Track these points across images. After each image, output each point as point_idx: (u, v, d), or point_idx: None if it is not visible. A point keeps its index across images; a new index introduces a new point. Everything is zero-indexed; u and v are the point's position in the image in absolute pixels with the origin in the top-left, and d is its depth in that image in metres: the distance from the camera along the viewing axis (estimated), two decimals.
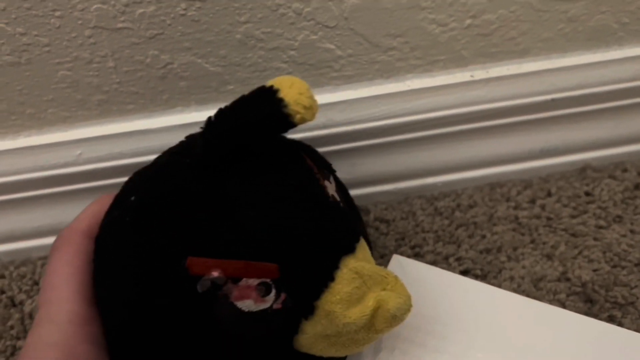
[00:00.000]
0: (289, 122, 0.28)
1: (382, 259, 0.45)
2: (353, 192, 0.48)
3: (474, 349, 0.37)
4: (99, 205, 0.31)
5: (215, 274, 0.26)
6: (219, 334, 0.27)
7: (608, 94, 0.46)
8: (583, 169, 0.49)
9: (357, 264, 0.27)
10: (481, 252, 0.44)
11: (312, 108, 0.29)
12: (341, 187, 0.36)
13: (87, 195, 0.45)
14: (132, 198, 0.29)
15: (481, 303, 0.39)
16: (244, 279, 0.26)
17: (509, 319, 0.38)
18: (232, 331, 0.27)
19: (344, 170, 0.47)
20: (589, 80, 0.46)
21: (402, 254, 0.44)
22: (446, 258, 0.44)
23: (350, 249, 0.28)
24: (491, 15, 0.41)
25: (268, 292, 0.26)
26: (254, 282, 0.26)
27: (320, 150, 0.45)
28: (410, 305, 0.28)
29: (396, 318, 0.28)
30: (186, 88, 0.42)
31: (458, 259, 0.44)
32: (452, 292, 0.40)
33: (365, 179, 0.48)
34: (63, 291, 0.28)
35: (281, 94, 0.28)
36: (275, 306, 0.27)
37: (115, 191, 0.45)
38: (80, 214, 0.31)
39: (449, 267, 0.44)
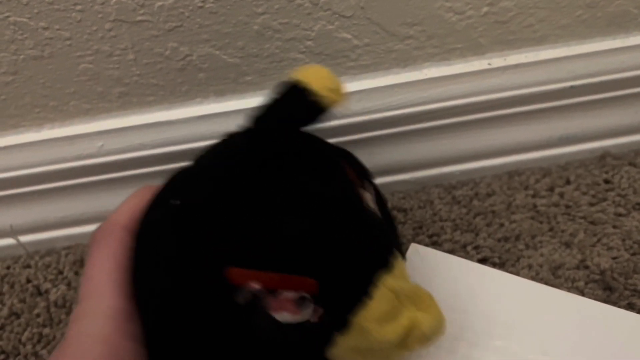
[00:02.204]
0: (320, 108, 0.29)
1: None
2: None
3: (492, 337, 0.37)
4: (139, 198, 0.31)
5: (255, 285, 0.26)
6: (255, 342, 0.27)
7: (628, 80, 0.46)
8: (602, 157, 0.49)
9: (394, 282, 0.27)
10: (499, 240, 0.44)
11: (338, 89, 0.29)
12: (378, 196, 0.35)
13: (108, 186, 0.46)
14: (174, 201, 0.29)
15: (499, 291, 0.39)
16: (283, 292, 0.26)
17: (527, 307, 0.39)
18: (268, 341, 0.27)
19: (361, 160, 0.47)
20: (608, 66, 0.45)
21: (419, 242, 0.44)
22: (464, 246, 0.44)
23: (388, 266, 0.28)
24: (508, 2, 0.41)
25: (306, 306, 0.26)
26: (293, 295, 0.26)
27: (337, 140, 0.45)
28: (444, 327, 0.29)
29: (429, 339, 0.28)
30: (205, 79, 0.42)
31: (476, 248, 0.44)
32: (470, 280, 0.40)
33: (382, 168, 0.48)
34: (105, 285, 0.28)
35: (307, 85, 0.29)
36: (312, 319, 0.27)
37: (140, 184, 0.46)
38: (120, 206, 0.31)
39: (467, 256, 0.44)
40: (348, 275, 0.27)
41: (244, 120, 0.44)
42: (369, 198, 0.32)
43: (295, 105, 0.28)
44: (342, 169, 0.31)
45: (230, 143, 0.32)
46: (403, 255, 0.33)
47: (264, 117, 0.30)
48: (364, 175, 0.34)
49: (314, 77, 0.28)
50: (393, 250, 0.29)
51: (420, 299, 0.28)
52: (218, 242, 0.27)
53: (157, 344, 0.28)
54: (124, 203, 0.31)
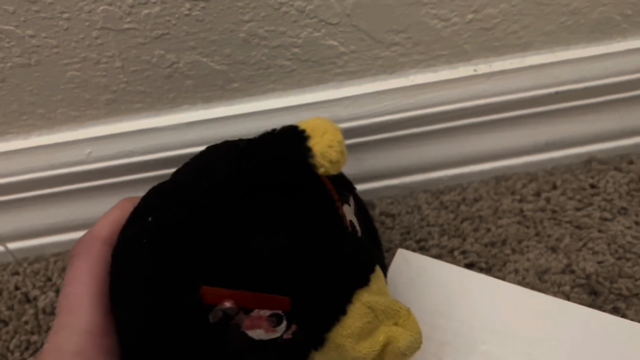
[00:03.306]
0: (313, 171, 0.28)
1: (388, 252, 0.45)
2: (359, 187, 0.48)
3: (478, 342, 0.37)
4: (120, 211, 0.31)
5: (227, 304, 0.26)
6: None
7: (612, 86, 0.46)
8: (588, 162, 0.50)
9: (371, 299, 0.27)
10: (486, 245, 0.45)
11: (338, 162, 0.28)
12: (360, 207, 0.35)
13: (97, 193, 0.46)
14: (150, 219, 0.29)
15: (485, 296, 0.40)
16: (256, 310, 0.26)
17: (513, 312, 0.39)
18: (243, 358, 0.27)
19: (349, 165, 0.47)
20: (592, 72, 0.46)
21: (407, 247, 0.45)
22: (451, 251, 0.45)
23: (364, 282, 0.27)
24: (493, 9, 0.42)
25: (279, 323, 0.27)
26: (266, 313, 0.26)
27: None
28: (421, 343, 0.28)
29: (405, 356, 0.27)
30: (192, 87, 0.43)
31: (463, 252, 0.45)
32: (457, 285, 0.40)
33: (370, 173, 0.48)
34: (83, 300, 0.28)
35: (311, 142, 0.28)
36: (285, 336, 0.27)
37: (128, 190, 0.47)
38: (100, 220, 0.31)
39: (454, 261, 0.44)
40: (321, 292, 0.27)
41: (231, 128, 0.45)
42: (349, 211, 0.31)
43: (289, 159, 0.28)
44: (323, 185, 0.30)
45: (208, 159, 0.31)
46: (384, 267, 0.32)
47: (254, 155, 0.29)
48: (344, 185, 0.34)
49: (322, 140, 0.27)
50: (371, 266, 0.28)
51: (397, 314, 0.28)
52: (192, 262, 0.26)
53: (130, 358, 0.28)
54: (104, 216, 0.31)
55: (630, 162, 0.49)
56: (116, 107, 0.43)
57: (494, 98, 0.45)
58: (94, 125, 0.44)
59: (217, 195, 0.28)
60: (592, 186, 0.48)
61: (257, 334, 0.26)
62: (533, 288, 0.41)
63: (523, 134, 0.48)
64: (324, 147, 0.28)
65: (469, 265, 0.44)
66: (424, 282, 0.41)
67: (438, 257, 0.44)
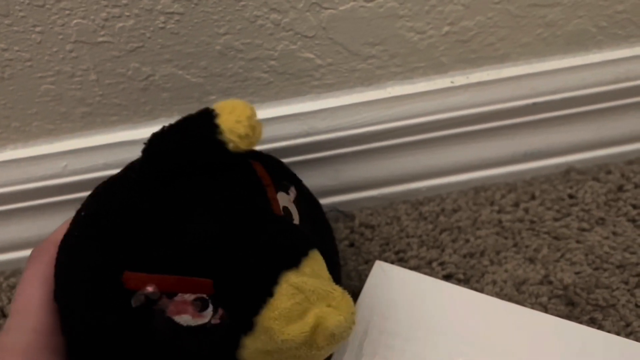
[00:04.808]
0: (224, 149, 0.28)
1: (367, 264, 0.45)
2: (338, 199, 0.49)
3: (455, 355, 0.37)
4: None
5: (149, 289, 0.26)
6: (160, 347, 0.27)
7: (589, 97, 0.47)
8: (567, 172, 0.50)
9: (299, 279, 0.26)
10: (464, 256, 0.45)
11: (248, 137, 0.29)
12: (307, 202, 0.35)
13: (73, 207, 0.45)
14: (82, 213, 0.30)
15: (463, 308, 0.40)
16: (179, 294, 0.26)
17: (491, 324, 0.39)
18: (173, 345, 0.27)
19: (328, 177, 0.47)
20: (569, 83, 0.46)
21: (386, 259, 0.45)
22: (429, 263, 0.45)
23: (292, 264, 0.27)
24: (469, 22, 0.42)
25: (205, 308, 0.27)
26: (190, 297, 0.26)
27: (303, 158, 0.45)
28: (353, 323, 0.27)
29: (335, 336, 0.27)
30: (168, 99, 0.42)
31: (441, 264, 0.45)
32: (434, 297, 0.40)
33: (349, 185, 0.48)
34: (32, 300, 0.29)
35: (218, 120, 0.28)
36: (213, 321, 0.27)
37: None
38: (60, 226, 0.32)
39: (432, 272, 0.44)
40: (245, 274, 0.27)
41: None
42: (284, 198, 0.31)
43: (198, 138, 0.28)
44: (252, 171, 0.31)
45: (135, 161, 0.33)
46: (334, 262, 0.33)
47: (166, 137, 0.30)
48: (284, 176, 0.34)
49: (230, 117, 0.28)
50: (303, 249, 0.28)
51: (330, 294, 0.27)
52: (116, 248, 0.27)
53: (73, 353, 0.29)
54: (62, 224, 0.32)
55: (608, 172, 0.49)
56: (92, 120, 0.43)
57: (471, 109, 0.46)
58: (70, 138, 0.44)
59: (139, 184, 0.29)
60: (571, 196, 0.48)
61: (184, 319, 0.27)
62: (511, 299, 0.41)
63: (501, 145, 0.48)
64: (232, 123, 0.28)
65: (447, 277, 0.44)
66: (401, 294, 0.41)
67: (416, 268, 0.44)
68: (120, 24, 0.38)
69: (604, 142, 0.49)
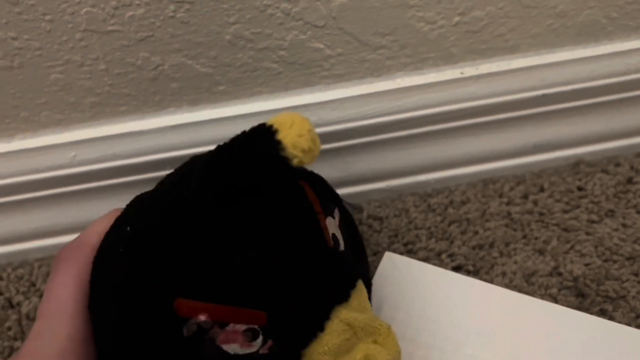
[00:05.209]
0: (287, 165, 0.27)
1: (375, 256, 0.45)
2: (346, 190, 0.49)
3: (465, 345, 0.37)
4: (109, 221, 0.30)
5: (202, 317, 0.25)
6: None
7: (599, 88, 0.46)
8: (576, 164, 0.50)
9: (349, 315, 0.27)
10: (473, 248, 0.45)
11: (311, 151, 0.28)
12: (346, 219, 0.34)
13: (82, 197, 0.45)
14: (128, 228, 0.28)
15: (472, 299, 0.40)
16: (231, 324, 0.26)
17: (500, 315, 0.39)
18: None
19: (336, 169, 0.47)
20: (579, 75, 0.46)
21: (394, 250, 0.45)
22: (439, 254, 0.45)
23: (343, 298, 0.27)
24: (479, 12, 0.42)
25: (255, 338, 0.26)
26: (241, 327, 0.26)
27: None
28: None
29: None
30: (178, 89, 0.42)
31: (450, 255, 0.44)
32: (444, 288, 0.40)
33: (358, 177, 0.48)
34: (67, 305, 0.28)
35: (280, 135, 0.27)
36: (262, 351, 0.26)
37: (113, 194, 0.46)
38: (89, 227, 0.30)
39: (441, 264, 0.44)
40: (298, 308, 0.26)
41: (217, 131, 0.44)
42: (332, 224, 0.31)
43: (261, 155, 0.27)
44: (304, 196, 0.30)
45: (189, 168, 0.31)
46: (368, 281, 0.32)
47: (225, 155, 0.29)
48: (329, 197, 0.33)
49: (291, 131, 0.27)
50: (352, 282, 0.28)
51: (377, 331, 0.27)
52: (167, 273, 0.26)
53: None
54: (93, 224, 0.30)
55: (618, 165, 0.49)
56: (101, 110, 0.43)
57: (481, 101, 0.45)
58: (79, 128, 0.44)
59: (193, 204, 0.27)
60: (580, 188, 0.48)
61: (233, 348, 0.26)
62: (520, 291, 0.41)
63: (510, 137, 0.48)
64: (294, 138, 0.27)
65: (457, 268, 0.44)
66: (411, 285, 0.40)
67: (425, 260, 0.44)
68: (130, 13, 0.38)
69: (614, 134, 0.49)
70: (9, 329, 0.43)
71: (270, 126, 0.28)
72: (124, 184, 0.45)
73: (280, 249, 0.27)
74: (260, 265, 0.26)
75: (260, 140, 0.28)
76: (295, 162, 0.27)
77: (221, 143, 0.29)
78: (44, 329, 0.27)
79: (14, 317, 0.44)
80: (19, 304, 0.45)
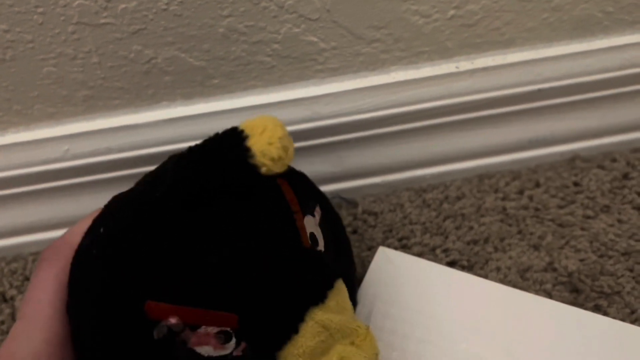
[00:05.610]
0: (256, 173, 0.27)
1: (370, 251, 0.45)
2: (341, 186, 0.48)
3: (459, 340, 0.37)
4: (92, 220, 0.30)
5: (172, 320, 0.25)
6: None
7: (595, 83, 0.46)
8: (572, 159, 0.49)
9: (325, 317, 0.26)
10: (468, 243, 0.44)
11: (281, 159, 0.27)
12: (330, 217, 0.34)
13: (75, 191, 0.45)
14: (102, 229, 0.28)
15: (466, 294, 0.39)
16: (203, 327, 0.25)
17: (494, 310, 0.39)
18: None
19: (331, 163, 0.47)
20: (575, 70, 0.45)
21: (389, 245, 0.44)
22: (433, 249, 0.44)
23: (319, 299, 0.27)
24: (474, 5, 0.41)
25: (228, 340, 0.26)
26: (213, 329, 0.26)
27: (306, 143, 0.45)
28: None
29: None
30: (171, 83, 0.42)
31: (445, 251, 0.44)
32: (438, 283, 0.40)
33: (353, 171, 0.48)
34: (44, 307, 0.28)
35: (249, 142, 0.27)
36: (235, 353, 0.26)
37: (106, 188, 0.46)
38: (73, 226, 0.30)
39: (436, 259, 0.44)
40: (271, 310, 0.26)
41: (211, 125, 0.44)
42: (310, 223, 0.30)
43: (228, 161, 0.27)
44: (281, 195, 0.29)
45: (164, 168, 0.30)
46: (352, 280, 0.31)
47: (195, 157, 0.28)
48: (310, 195, 0.33)
49: (261, 138, 0.27)
50: (328, 282, 0.27)
51: (355, 332, 0.27)
52: (137, 276, 0.26)
53: None
54: (77, 224, 0.30)
55: (614, 160, 0.49)
56: (94, 104, 0.43)
57: (476, 95, 0.45)
58: (71, 122, 0.43)
59: (164, 206, 0.27)
60: (575, 184, 0.48)
61: (205, 350, 0.26)
62: (515, 286, 0.41)
63: (506, 132, 0.48)
64: (264, 145, 0.27)
65: (451, 264, 0.43)
66: (405, 280, 0.40)
67: (420, 255, 0.44)
68: (123, 5, 0.37)
69: (610, 129, 0.49)
70: (2, 323, 0.43)
71: (242, 131, 0.27)
72: (118, 178, 0.45)
73: (252, 250, 0.26)
74: (231, 267, 0.26)
75: (230, 145, 0.27)
76: (263, 170, 0.27)
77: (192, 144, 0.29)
78: (20, 332, 0.27)
79: (7, 311, 0.44)
80: (12, 298, 0.45)
